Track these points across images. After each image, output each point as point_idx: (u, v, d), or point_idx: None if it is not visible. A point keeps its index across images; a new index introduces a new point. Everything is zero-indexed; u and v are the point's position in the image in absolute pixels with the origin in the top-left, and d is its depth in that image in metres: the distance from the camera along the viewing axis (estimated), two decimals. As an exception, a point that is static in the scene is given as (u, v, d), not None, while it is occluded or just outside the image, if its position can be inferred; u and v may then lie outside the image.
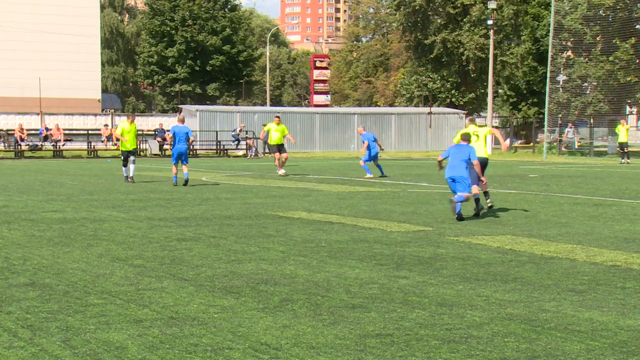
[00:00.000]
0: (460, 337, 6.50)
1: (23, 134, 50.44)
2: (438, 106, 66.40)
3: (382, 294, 8.12)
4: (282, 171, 28.63)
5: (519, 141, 68.70)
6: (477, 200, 15.35)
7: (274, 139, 29.21)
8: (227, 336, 6.49)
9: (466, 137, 15.56)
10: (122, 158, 24.90)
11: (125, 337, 6.44)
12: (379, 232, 12.97)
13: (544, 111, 53.58)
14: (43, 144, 50.69)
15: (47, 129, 52.38)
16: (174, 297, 7.94)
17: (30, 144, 50.12)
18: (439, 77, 69.08)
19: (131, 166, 24.46)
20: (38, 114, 56.66)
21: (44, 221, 14.15)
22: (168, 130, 54.52)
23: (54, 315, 7.11)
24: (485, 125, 15.90)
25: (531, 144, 60.16)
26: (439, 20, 68.90)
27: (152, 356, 5.93)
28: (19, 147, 49.36)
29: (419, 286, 8.55)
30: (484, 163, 16.24)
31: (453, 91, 69.21)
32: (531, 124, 61.26)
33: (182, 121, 24.12)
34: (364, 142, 29.33)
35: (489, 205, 16.60)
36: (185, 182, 22.84)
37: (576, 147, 54.64)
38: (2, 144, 51.09)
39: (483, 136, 16.89)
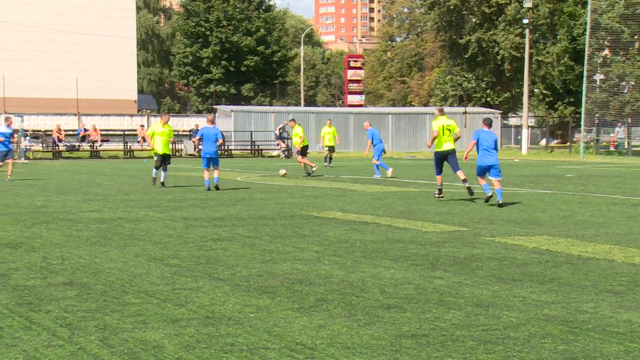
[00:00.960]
0: (496, 338, 6.46)
1: (61, 134, 51.03)
2: (473, 106, 66.04)
3: (418, 295, 8.10)
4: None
5: (555, 141, 68.16)
6: (465, 180, 18.77)
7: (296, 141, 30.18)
8: (263, 336, 6.51)
9: (488, 122, 17.83)
10: (155, 159, 23.12)
11: (162, 336, 6.48)
12: (414, 232, 12.93)
13: (580, 110, 53.05)
14: (80, 144, 51.26)
15: (84, 130, 52.93)
16: (210, 296, 7.98)
17: (68, 144, 50.69)
18: (474, 77, 68.70)
19: (162, 173, 22.77)
20: (75, 115, 57.23)
21: (82, 221, 14.29)
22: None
23: (91, 314, 7.18)
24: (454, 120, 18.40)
25: (568, 143, 59.61)
26: (473, 20, 68.51)
27: (188, 355, 5.97)
28: (57, 147, 49.93)
29: (455, 287, 8.52)
30: (453, 154, 19.18)
31: (488, 91, 68.79)
32: (567, 124, 60.72)
33: (212, 122, 22.11)
34: (370, 139, 28.67)
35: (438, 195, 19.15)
36: (216, 187, 21.32)
37: (626, 146, 53.57)
38: (41, 145, 51.70)
39: (453, 130, 19.29)
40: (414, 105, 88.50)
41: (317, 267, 9.64)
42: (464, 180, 18.93)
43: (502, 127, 64.24)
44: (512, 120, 77.16)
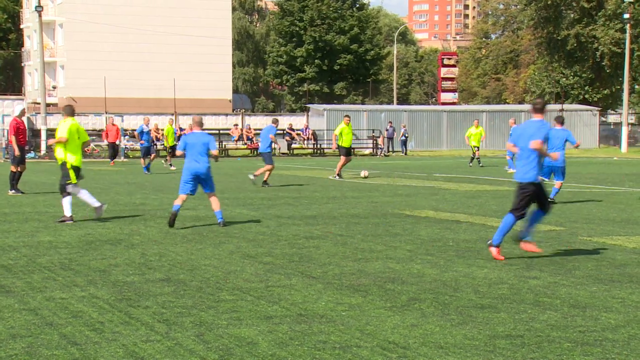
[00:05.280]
0: (594, 340, 6.32)
1: (159, 133, 52.11)
2: (570, 103, 64.59)
3: (512, 295, 7.98)
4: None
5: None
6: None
7: (346, 140, 26.63)
8: (355, 334, 6.52)
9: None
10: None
11: (256, 332, 6.57)
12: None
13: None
14: (177, 143, 52.22)
15: (180, 129, 53.94)
16: (303, 294, 8.04)
17: (165, 143, 51.66)
18: (572, 73, 67.17)
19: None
20: (172, 115, 58.41)
21: (178, 219, 14.56)
22: (296, 130, 55.13)
23: (188, 310, 7.33)
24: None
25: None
26: (572, 15, 66.98)
27: (281, 352, 6.02)
28: (155, 146, 51.03)
29: (551, 287, 8.36)
30: None
31: (586, 87, 67.15)
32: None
33: (200, 125, 14.25)
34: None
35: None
36: (221, 224, 13.68)
37: None
38: (139, 144, 52.86)
39: None
40: (508, 103, 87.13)
41: (409, 266, 9.60)
42: None
43: (601, 125, 62.66)
44: (612, 118, 75.16)
